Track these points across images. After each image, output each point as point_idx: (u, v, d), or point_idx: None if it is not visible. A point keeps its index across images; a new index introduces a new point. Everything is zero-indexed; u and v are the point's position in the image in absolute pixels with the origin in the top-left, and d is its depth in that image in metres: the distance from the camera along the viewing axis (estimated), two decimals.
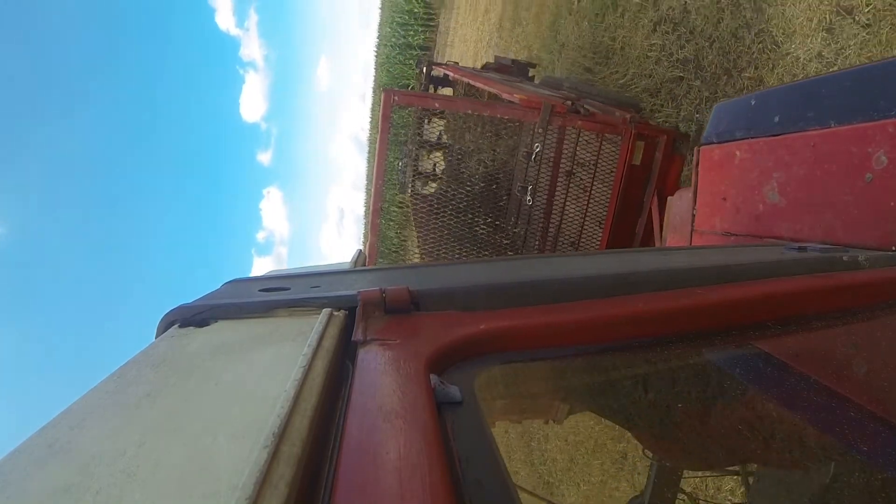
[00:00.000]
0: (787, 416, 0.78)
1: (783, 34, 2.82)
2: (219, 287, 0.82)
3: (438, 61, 3.76)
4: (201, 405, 0.45)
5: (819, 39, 2.61)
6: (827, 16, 2.57)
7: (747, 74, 3.02)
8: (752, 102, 1.54)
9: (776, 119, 1.43)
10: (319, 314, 0.62)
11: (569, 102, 3.06)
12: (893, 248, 1.12)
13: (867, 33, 2.39)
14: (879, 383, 0.81)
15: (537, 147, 3.03)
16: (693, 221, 1.76)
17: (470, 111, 3.10)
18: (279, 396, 0.43)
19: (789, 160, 1.39)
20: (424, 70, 3.86)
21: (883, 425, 0.68)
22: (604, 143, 3.11)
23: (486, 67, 5.12)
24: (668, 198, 2.69)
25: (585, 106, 3.21)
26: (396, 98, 3.00)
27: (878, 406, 0.71)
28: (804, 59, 2.69)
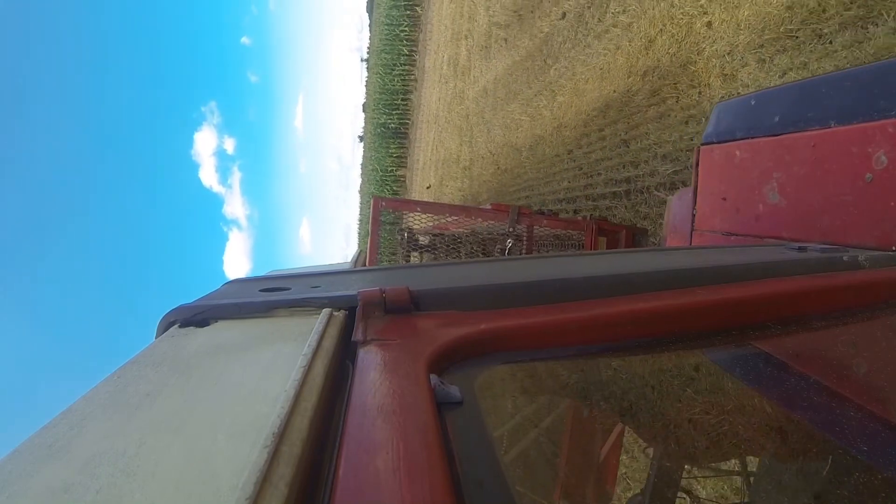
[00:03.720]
0: (787, 416, 0.78)
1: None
2: (219, 287, 0.82)
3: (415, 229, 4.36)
4: (201, 405, 0.45)
5: None
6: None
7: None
8: (752, 102, 1.54)
9: (776, 119, 1.43)
10: (319, 314, 0.62)
11: (534, 207, 3.67)
12: (893, 248, 1.12)
13: None
14: (879, 383, 0.81)
15: (509, 242, 3.62)
16: (693, 221, 1.76)
17: (448, 214, 3.78)
18: (279, 396, 0.43)
19: (789, 160, 1.38)
20: (405, 236, 4.25)
21: (883, 425, 0.68)
22: (569, 239, 3.73)
23: None
24: (668, 198, 2.70)
25: (549, 208, 3.91)
26: (384, 203, 3.81)
27: (879, 406, 0.71)
28: None
